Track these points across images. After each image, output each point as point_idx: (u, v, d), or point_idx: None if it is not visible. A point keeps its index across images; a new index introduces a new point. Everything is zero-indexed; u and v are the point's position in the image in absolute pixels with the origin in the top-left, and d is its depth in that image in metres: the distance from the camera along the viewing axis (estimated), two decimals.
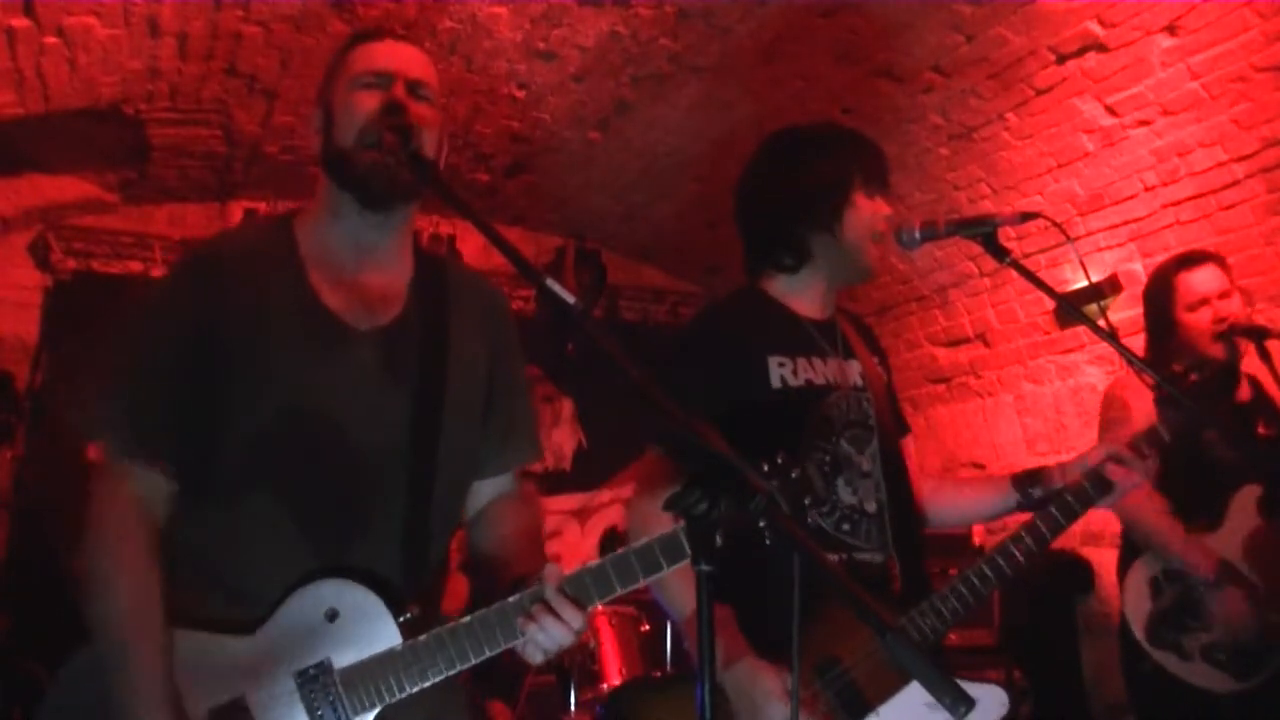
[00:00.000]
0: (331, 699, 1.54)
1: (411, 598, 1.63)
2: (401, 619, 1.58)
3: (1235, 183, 4.12)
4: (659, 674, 4.23)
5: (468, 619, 1.57)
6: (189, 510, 1.66)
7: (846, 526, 2.16)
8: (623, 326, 6.62)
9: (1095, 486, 2.17)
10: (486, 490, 1.89)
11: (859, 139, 2.34)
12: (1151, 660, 2.89)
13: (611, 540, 5.59)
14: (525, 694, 4.58)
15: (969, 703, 1.12)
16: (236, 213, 5.86)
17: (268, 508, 1.62)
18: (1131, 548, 3.08)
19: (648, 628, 4.44)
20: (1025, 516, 2.23)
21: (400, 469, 1.68)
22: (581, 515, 5.38)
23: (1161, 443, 2.35)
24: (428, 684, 1.56)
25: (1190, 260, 3.17)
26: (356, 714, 1.54)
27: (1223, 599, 2.86)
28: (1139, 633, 2.92)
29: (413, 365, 1.72)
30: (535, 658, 1.57)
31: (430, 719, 1.66)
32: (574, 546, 5.90)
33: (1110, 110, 4.24)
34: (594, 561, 1.61)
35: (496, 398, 1.85)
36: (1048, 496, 2.23)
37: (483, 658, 1.57)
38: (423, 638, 1.57)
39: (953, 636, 4.39)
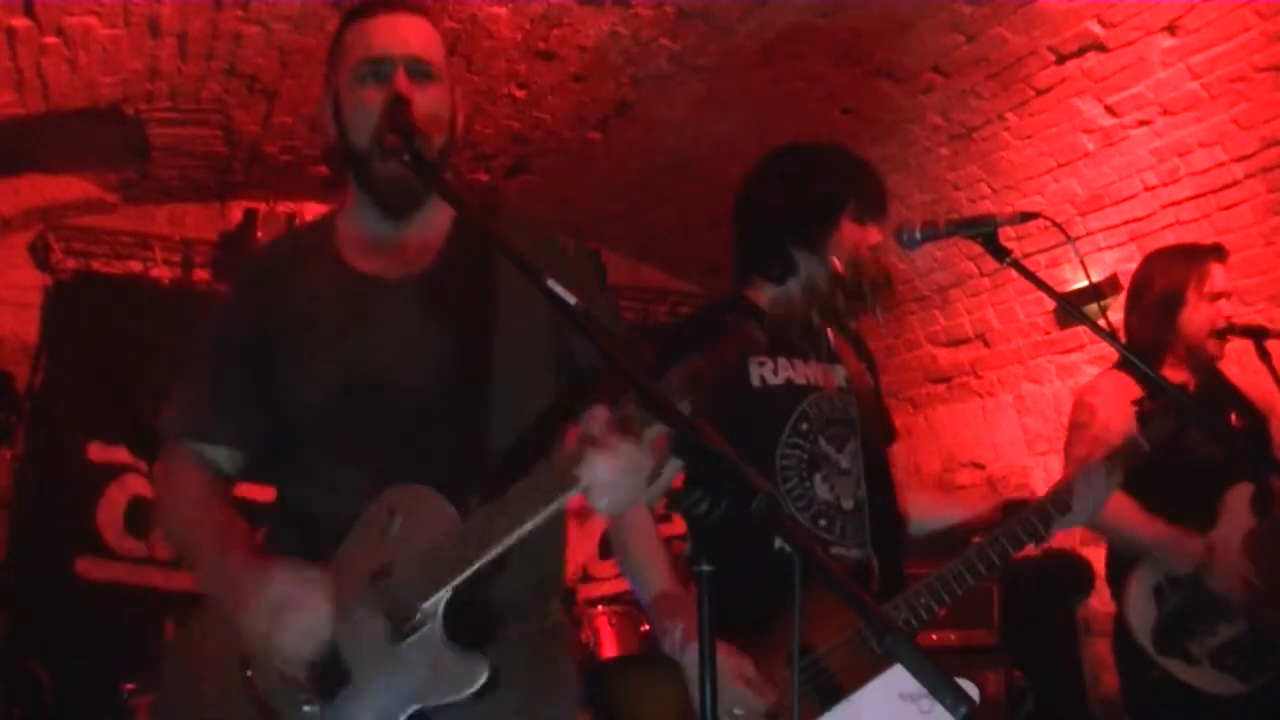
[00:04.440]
0: (399, 594, 1.53)
1: (475, 491, 1.58)
2: (462, 506, 1.55)
3: (1235, 183, 4.12)
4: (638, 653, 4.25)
5: (520, 482, 1.51)
6: (289, 484, 1.76)
7: (823, 522, 2.24)
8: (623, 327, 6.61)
9: (1055, 504, 2.28)
10: None
11: (859, 167, 2.41)
12: (1159, 668, 2.87)
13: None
14: None
15: (969, 703, 1.12)
16: (236, 213, 5.86)
17: (336, 464, 1.66)
18: (1124, 554, 3.06)
19: (647, 627, 4.44)
20: None
21: (449, 401, 1.67)
22: (581, 515, 5.38)
23: (1141, 453, 2.37)
24: (495, 551, 1.50)
25: (1220, 252, 3.16)
26: (424, 601, 1.51)
27: (1230, 579, 2.85)
28: (1146, 642, 2.89)
29: (454, 304, 1.72)
30: (600, 502, 1.49)
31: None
32: (574, 546, 5.88)
33: (1110, 110, 4.24)
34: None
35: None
36: None
37: (546, 512, 1.49)
38: (478, 510, 1.52)
39: (952, 636, 4.44)
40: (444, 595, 1.51)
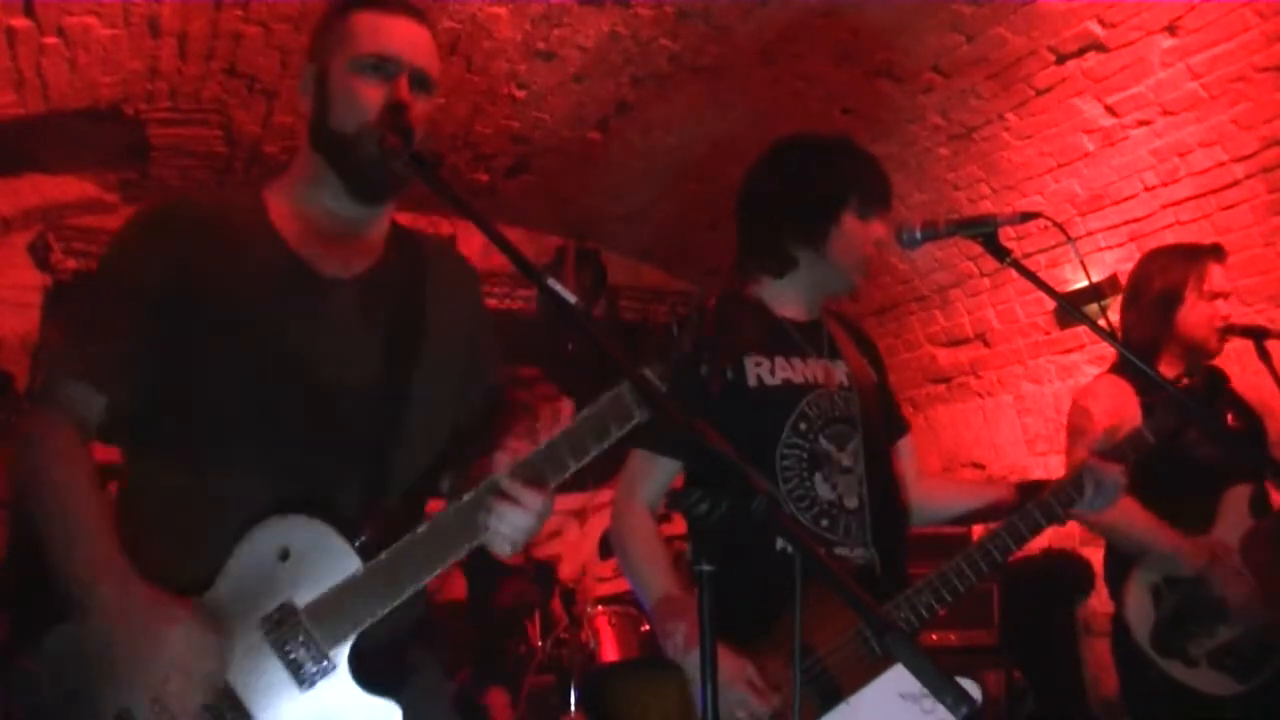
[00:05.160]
0: (302, 639, 1.50)
1: (365, 522, 1.59)
2: (356, 543, 1.54)
3: (1235, 183, 4.12)
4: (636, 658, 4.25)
5: (424, 526, 1.54)
6: (161, 466, 1.64)
7: (825, 522, 2.22)
8: (623, 326, 6.62)
9: (1077, 488, 2.25)
10: None
11: (864, 161, 2.38)
12: (1158, 669, 2.87)
13: None
14: (525, 694, 4.59)
15: (970, 702, 1.13)
16: None
17: (236, 455, 1.60)
18: (1122, 555, 3.06)
19: (648, 627, 4.44)
20: None
21: (369, 411, 1.66)
22: (581, 515, 5.38)
23: (1146, 445, 2.37)
24: (401, 600, 1.53)
25: (1220, 252, 3.16)
26: (332, 648, 1.51)
27: (1233, 585, 2.84)
28: (1145, 642, 2.89)
29: (388, 313, 1.73)
30: (502, 548, 1.55)
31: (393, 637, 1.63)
32: (574, 546, 5.90)
33: (1110, 110, 4.24)
34: (544, 440, 1.58)
35: (480, 370, 1.85)
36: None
37: (447, 563, 1.55)
38: (382, 555, 1.53)
39: (952, 636, 4.44)
40: (351, 640, 1.52)
